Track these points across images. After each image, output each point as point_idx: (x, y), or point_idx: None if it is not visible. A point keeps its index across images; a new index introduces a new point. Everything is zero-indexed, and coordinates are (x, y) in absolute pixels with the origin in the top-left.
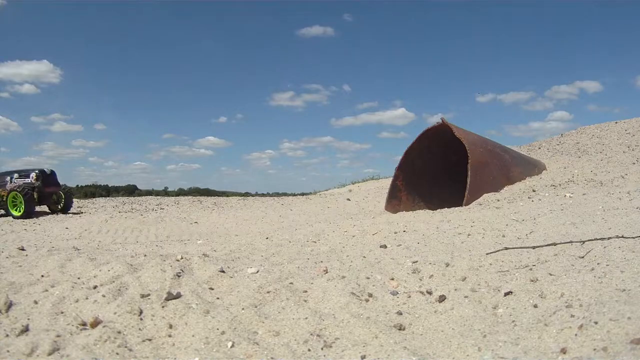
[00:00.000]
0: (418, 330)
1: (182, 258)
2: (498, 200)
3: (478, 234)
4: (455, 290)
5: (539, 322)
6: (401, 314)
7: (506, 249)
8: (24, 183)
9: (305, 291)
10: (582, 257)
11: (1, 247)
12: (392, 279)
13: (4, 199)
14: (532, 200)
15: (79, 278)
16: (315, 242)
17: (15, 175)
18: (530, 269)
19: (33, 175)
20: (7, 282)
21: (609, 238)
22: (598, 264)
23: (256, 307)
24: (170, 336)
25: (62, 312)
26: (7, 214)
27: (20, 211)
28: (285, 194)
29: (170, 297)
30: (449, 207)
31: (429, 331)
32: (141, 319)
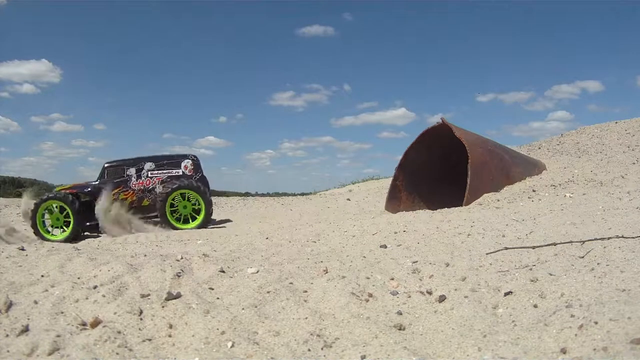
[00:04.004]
0: (418, 330)
1: (182, 258)
2: (498, 200)
3: (478, 234)
4: (455, 290)
5: (539, 322)
6: (401, 314)
7: (506, 249)
8: (168, 177)
9: (305, 291)
10: (582, 257)
11: (1, 247)
12: (392, 279)
13: (132, 203)
14: (532, 200)
15: (79, 278)
16: (315, 242)
17: (148, 165)
18: (530, 269)
19: (188, 163)
20: (7, 282)
21: (609, 238)
22: (598, 264)
23: (256, 307)
24: (170, 336)
25: (62, 312)
26: (167, 227)
27: (192, 222)
28: (285, 194)
29: (170, 297)
30: (449, 207)
31: (429, 331)
32: (141, 319)
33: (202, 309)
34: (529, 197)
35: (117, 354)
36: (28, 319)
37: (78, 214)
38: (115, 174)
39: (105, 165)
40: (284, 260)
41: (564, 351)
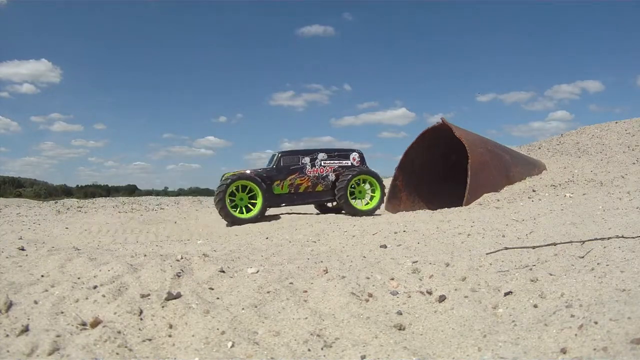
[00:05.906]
0: (418, 330)
1: (182, 258)
2: (498, 200)
3: (478, 234)
4: (455, 290)
5: (539, 322)
6: (401, 313)
7: (506, 249)
8: (339, 167)
9: (305, 291)
10: (582, 257)
11: (1, 247)
12: (392, 279)
13: (307, 189)
14: (532, 200)
15: (79, 278)
16: (315, 242)
17: (322, 155)
18: (530, 269)
19: (355, 155)
20: (7, 282)
21: (609, 238)
22: (598, 264)
23: (256, 307)
24: (170, 336)
25: (62, 312)
26: (345, 208)
27: (370, 202)
28: None
29: (170, 297)
30: (449, 207)
31: (429, 331)
32: (141, 319)
33: (202, 309)
34: (529, 197)
35: (117, 354)
36: (28, 319)
37: (265, 194)
38: (291, 161)
39: (280, 153)
40: (284, 260)
41: (564, 351)
